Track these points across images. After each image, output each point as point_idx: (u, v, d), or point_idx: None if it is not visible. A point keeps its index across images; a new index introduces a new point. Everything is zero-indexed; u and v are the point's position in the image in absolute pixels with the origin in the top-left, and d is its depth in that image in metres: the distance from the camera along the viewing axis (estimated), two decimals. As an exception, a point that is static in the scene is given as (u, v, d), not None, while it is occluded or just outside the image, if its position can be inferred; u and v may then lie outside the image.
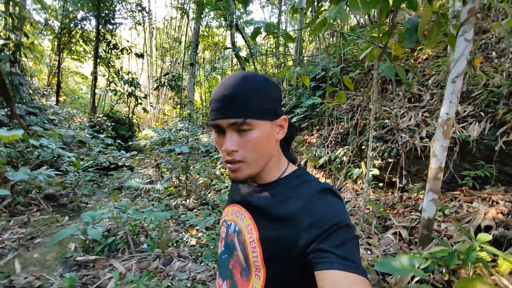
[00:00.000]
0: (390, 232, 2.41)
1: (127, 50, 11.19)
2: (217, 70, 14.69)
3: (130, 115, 11.55)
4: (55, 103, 10.57)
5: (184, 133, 6.94)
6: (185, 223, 3.32)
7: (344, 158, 3.94)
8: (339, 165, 4.00)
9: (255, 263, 0.56)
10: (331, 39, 8.31)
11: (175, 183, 4.83)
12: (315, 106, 5.94)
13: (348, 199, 3.36)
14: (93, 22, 10.66)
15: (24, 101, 6.77)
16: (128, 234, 2.47)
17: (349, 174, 3.61)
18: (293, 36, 4.54)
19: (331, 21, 2.17)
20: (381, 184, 3.46)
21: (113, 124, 10.22)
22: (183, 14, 13.58)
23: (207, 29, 14.19)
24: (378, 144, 3.54)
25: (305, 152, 4.56)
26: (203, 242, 2.77)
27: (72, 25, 10.87)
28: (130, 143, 10.17)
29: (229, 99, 0.54)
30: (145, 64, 20.22)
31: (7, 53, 4.94)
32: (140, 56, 11.55)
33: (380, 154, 3.39)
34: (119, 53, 11.17)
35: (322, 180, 4.22)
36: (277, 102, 0.59)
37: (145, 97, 11.55)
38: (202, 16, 9.65)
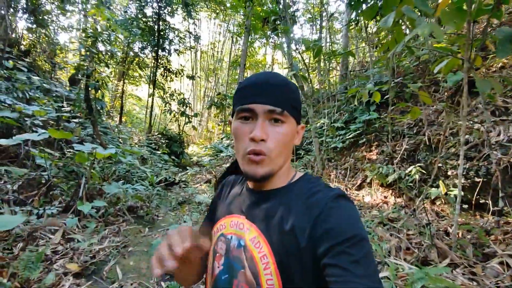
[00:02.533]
0: (495, 261, 2.16)
1: (179, 72, 12.22)
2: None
3: (180, 133, 12.40)
4: (118, 123, 11.86)
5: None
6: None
7: (416, 176, 3.69)
8: (410, 184, 3.75)
9: (268, 282, 0.51)
10: (377, 53, 8.10)
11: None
12: (371, 121, 5.75)
13: (428, 221, 3.11)
14: (149, 50, 11.89)
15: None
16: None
17: (426, 194, 3.36)
18: (351, 54, 4.54)
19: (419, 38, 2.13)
20: (465, 206, 3.15)
21: (167, 141, 11.04)
22: (236, 37, 14.46)
23: (250, 49, 14.93)
24: (459, 162, 3.25)
25: (369, 169, 4.39)
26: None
27: (131, 54, 12.31)
28: (183, 159, 10.83)
29: (268, 86, 0.54)
30: (191, 84, 21.79)
31: (93, 82, 5.73)
32: (191, 78, 12.49)
33: (464, 173, 3.11)
34: (173, 76, 12.23)
35: (391, 199, 4.00)
36: (300, 107, 0.60)
37: (195, 115, 12.33)
38: (249, 39, 10.21)
